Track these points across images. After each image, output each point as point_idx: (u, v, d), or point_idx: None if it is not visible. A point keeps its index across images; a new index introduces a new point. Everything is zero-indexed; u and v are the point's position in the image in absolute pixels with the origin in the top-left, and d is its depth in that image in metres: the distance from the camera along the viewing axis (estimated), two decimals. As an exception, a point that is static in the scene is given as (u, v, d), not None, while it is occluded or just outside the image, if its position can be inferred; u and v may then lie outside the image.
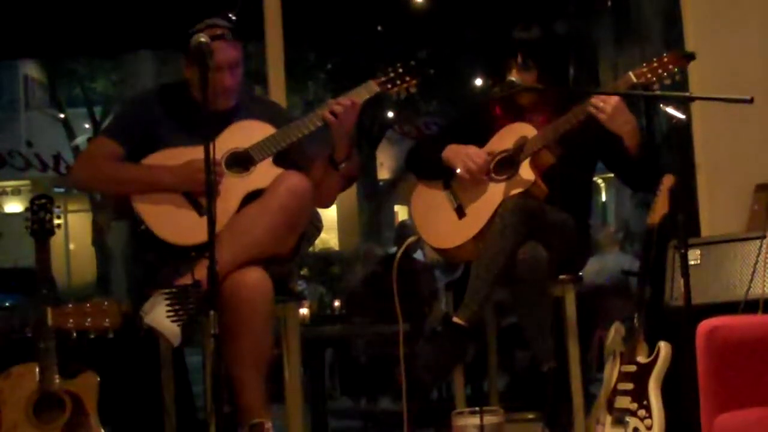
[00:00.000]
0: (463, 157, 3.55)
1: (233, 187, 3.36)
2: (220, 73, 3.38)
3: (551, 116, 3.55)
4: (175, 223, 3.32)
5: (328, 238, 17.40)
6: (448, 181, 3.63)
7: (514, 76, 3.54)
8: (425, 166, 3.73)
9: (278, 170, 3.39)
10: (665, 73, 3.32)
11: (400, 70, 3.59)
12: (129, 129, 3.47)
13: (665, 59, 3.34)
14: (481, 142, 3.61)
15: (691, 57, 3.39)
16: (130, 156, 3.44)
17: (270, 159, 3.42)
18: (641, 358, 3.25)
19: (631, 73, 3.37)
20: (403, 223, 7.78)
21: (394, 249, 8.21)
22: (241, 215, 3.31)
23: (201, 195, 3.25)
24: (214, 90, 3.36)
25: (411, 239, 3.90)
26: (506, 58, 3.57)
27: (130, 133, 3.46)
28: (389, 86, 3.58)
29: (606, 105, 3.34)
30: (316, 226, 3.56)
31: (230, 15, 3.61)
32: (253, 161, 3.41)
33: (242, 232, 3.25)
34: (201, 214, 3.29)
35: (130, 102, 3.87)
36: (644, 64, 3.37)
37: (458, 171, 3.54)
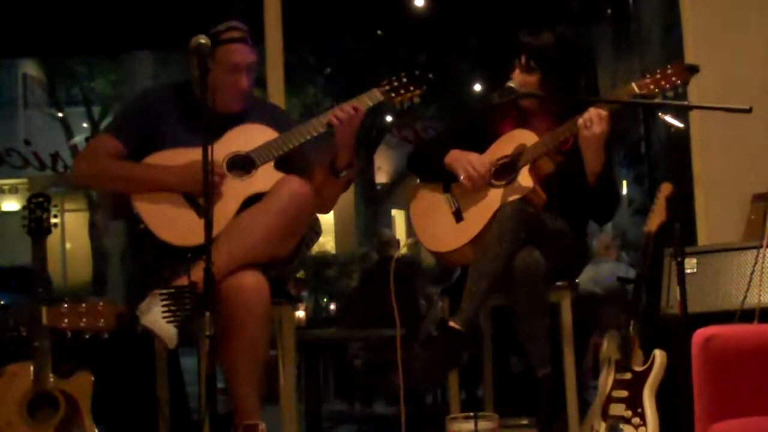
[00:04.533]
0: (465, 164, 3.55)
1: (234, 190, 3.36)
2: (237, 75, 3.40)
3: (553, 122, 3.55)
4: (174, 223, 3.32)
5: (325, 241, 17.39)
6: (448, 185, 3.63)
7: (516, 77, 3.55)
8: (427, 168, 3.72)
9: (279, 174, 3.39)
10: (668, 85, 3.32)
11: (405, 80, 3.59)
12: (131, 127, 3.47)
13: (669, 71, 3.34)
14: (481, 147, 3.62)
15: (694, 69, 3.38)
16: (132, 154, 3.43)
17: (271, 163, 3.42)
18: (636, 366, 3.25)
19: (633, 84, 3.38)
20: (381, 233, 7.86)
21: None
22: (240, 218, 3.31)
23: (201, 196, 3.24)
24: (228, 91, 3.38)
25: (409, 241, 3.91)
26: (510, 57, 3.58)
27: (132, 131, 3.45)
28: (393, 95, 3.58)
29: (593, 126, 3.35)
30: (315, 230, 3.55)
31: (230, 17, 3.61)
32: (255, 165, 3.41)
33: (241, 235, 3.25)
34: (201, 216, 3.28)
35: (133, 100, 3.85)
36: (647, 75, 3.37)
37: (461, 178, 3.54)
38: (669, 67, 3.36)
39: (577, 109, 3.46)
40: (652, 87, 3.33)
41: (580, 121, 3.38)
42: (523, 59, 3.56)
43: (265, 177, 3.39)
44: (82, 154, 3.85)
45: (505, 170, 3.55)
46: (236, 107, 3.47)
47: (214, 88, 3.31)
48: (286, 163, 3.45)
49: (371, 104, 3.54)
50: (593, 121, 3.36)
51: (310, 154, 3.57)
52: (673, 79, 3.32)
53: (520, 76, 3.56)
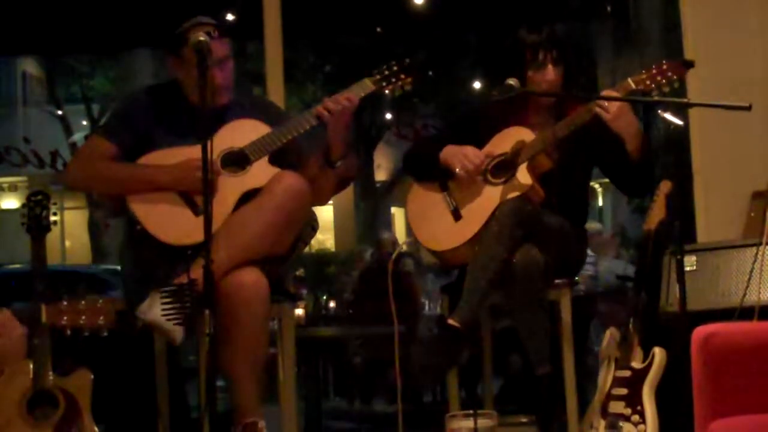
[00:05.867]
0: (460, 156, 3.55)
1: (229, 187, 3.35)
2: (210, 71, 3.38)
3: (551, 118, 3.55)
4: (170, 223, 3.31)
5: (324, 239, 17.41)
6: (445, 183, 3.63)
7: (549, 73, 3.53)
8: (422, 167, 3.72)
9: (274, 170, 3.38)
10: (664, 81, 3.33)
11: (395, 68, 3.58)
12: (123, 128, 3.46)
13: (664, 67, 3.34)
14: (478, 145, 3.61)
15: (689, 65, 3.39)
16: (125, 156, 3.43)
17: (266, 158, 3.41)
18: (636, 364, 3.25)
19: (630, 80, 3.38)
20: (380, 232, 7.93)
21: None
22: (237, 215, 3.30)
23: (197, 194, 3.24)
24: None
25: (408, 240, 3.91)
26: (538, 51, 3.55)
27: (124, 132, 3.45)
28: (384, 84, 3.57)
29: (611, 105, 3.34)
30: (312, 225, 3.55)
31: (229, 15, 3.61)
32: (249, 160, 3.40)
33: (238, 232, 3.25)
34: (197, 214, 3.28)
35: (123, 101, 3.85)
36: (643, 72, 3.37)
37: (456, 170, 3.53)
38: (664, 62, 3.37)
39: (575, 105, 3.46)
40: (648, 82, 3.33)
41: (597, 110, 3.36)
42: (554, 53, 3.54)
43: (260, 172, 3.38)
44: (75, 157, 3.85)
45: (503, 168, 3.54)
46: (219, 101, 3.43)
47: (191, 86, 3.32)
48: (280, 157, 3.45)
49: (363, 94, 3.53)
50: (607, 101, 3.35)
51: (304, 146, 3.56)
52: (669, 74, 3.33)
53: (553, 71, 3.54)
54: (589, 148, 3.53)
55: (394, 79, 3.58)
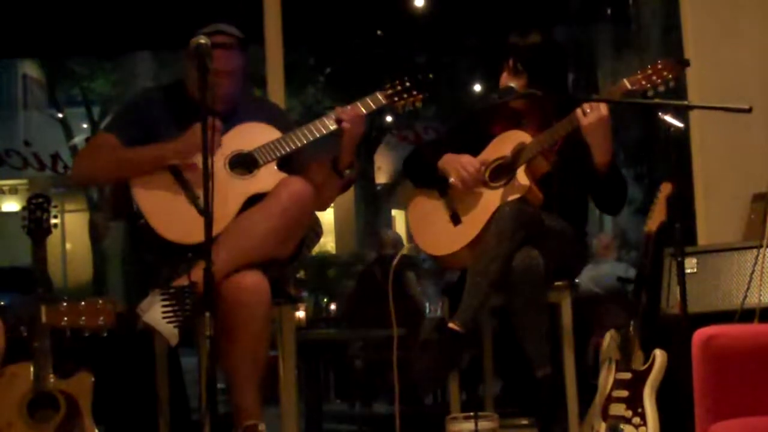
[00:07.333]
0: (456, 166, 3.55)
1: (235, 189, 3.35)
2: (218, 79, 3.39)
3: (545, 123, 3.55)
4: (175, 220, 3.31)
5: (325, 241, 17.40)
6: (445, 189, 3.63)
7: (504, 80, 3.55)
8: (421, 173, 3.73)
9: (281, 175, 3.39)
10: (659, 80, 3.32)
11: (408, 84, 3.58)
12: (131, 126, 3.46)
13: (659, 66, 3.34)
14: (477, 150, 3.62)
15: (685, 64, 3.39)
16: None
17: (274, 163, 3.41)
18: (636, 366, 3.25)
19: (625, 80, 3.38)
20: (381, 232, 7.93)
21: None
22: (241, 218, 3.30)
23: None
24: (209, 93, 3.37)
25: (409, 246, 3.91)
26: (500, 61, 3.58)
27: (132, 130, 3.45)
28: (396, 99, 3.57)
29: (592, 112, 3.34)
30: (316, 231, 3.55)
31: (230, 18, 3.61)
32: (257, 164, 3.41)
33: (242, 235, 3.25)
34: (202, 214, 3.28)
35: (132, 99, 3.86)
36: (638, 71, 3.37)
37: (451, 180, 3.54)
38: (659, 62, 3.36)
39: (571, 109, 3.46)
40: (643, 83, 3.33)
41: (578, 111, 3.37)
42: (510, 62, 3.56)
43: (268, 177, 3.38)
44: (82, 152, 3.86)
45: (502, 172, 3.55)
46: (220, 109, 3.43)
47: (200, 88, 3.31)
48: (286, 163, 3.45)
49: (374, 107, 3.53)
50: (592, 106, 3.35)
51: (309, 153, 3.56)
52: (665, 74, 3.32)
53: (507, 79, 3.56)
54: (586, 152, 3.53)
55: (405, 95, 3.58)
